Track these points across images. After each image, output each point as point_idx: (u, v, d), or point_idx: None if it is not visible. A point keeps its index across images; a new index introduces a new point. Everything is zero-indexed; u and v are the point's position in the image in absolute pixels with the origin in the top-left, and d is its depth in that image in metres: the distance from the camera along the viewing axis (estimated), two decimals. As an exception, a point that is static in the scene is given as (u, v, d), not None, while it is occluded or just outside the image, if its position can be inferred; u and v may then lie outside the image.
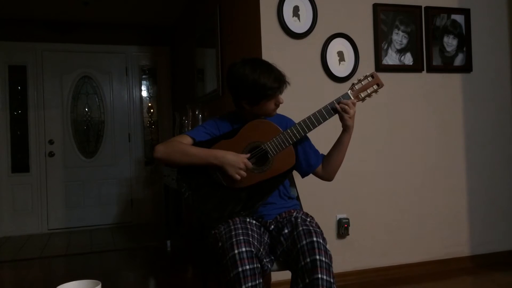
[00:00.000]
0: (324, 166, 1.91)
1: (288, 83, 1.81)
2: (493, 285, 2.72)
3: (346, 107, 1.76)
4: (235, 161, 1.70)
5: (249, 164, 1.72)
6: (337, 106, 1.77)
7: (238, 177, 1.71)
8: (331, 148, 1.90)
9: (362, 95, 1.81)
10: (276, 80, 1.75)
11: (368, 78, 1.82)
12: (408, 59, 2.96)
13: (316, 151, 1.93)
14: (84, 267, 3.58)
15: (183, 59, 4.95)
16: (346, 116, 1.77)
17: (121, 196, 5.38)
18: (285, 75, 1.80)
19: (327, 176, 1.93)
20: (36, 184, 5.08)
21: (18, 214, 5.01)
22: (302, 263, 1.56)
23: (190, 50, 4.47)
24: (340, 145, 1.86)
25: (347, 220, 2.80)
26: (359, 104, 1.82)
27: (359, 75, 2.38)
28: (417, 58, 2.98)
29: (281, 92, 1.81)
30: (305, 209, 1.96)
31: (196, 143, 1.80)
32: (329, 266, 1.56)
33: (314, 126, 1.77)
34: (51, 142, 5.12)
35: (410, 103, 2.99)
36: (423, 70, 3.01)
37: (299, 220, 1.71)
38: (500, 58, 3.22)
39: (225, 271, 1.56)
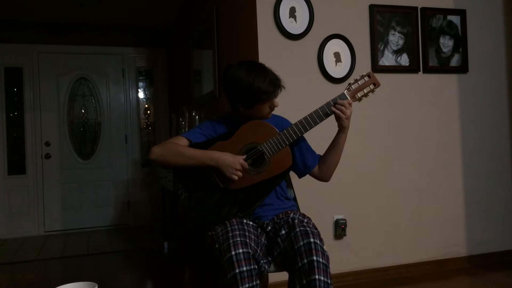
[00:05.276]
0: (321, 166, 1.90)
1: (283, 87, 1.79)
2: (491, 285, 2.72)
3: (343, 107, 1.75)
4: (232, 162, 1.69)
5: (246, 165, 1.71)
6: (334, 108, 1.76)
7: (235, 177, 1.70)
8: (327, 148, 1.89)
9: (359, 95, 1.81)
10: (270, 84, 1.73)
11: (365, 78, 1.81)
12: (404, 60, 2.96)
13: (313, 152, 1.93)
14: (80, 269, 3.56)
15: (179, 60, 4.94)
16: (343, 116, 1.76)
17: (117, 198, 5.36)
18: (280, 79, 1.79)
19: (324, 177, 1.93)
20: (33, 186, 5.06)
21: (15, 216, 4.99)
22: (299, 264, 1.56)
23: (187, 52, 4.47)
24: (336, 145, 1.85)
25: (344, 221, 2.80)
26: (355, 104, 1.82)
27: (355, 76, 2.38)
28: (413, 59, 2.98)
29: (275, 96, 1.79)
30: (302, 210, 1.96)
31: (192, 145, 1.79)
32: (326, 267, 1.56)
33: (311, 127, 1.77)
34: (47, 144, 5.10)
35: (406, 104, 2.99)
36: (419, 71, 3.02)
37: (296, 221, 1.71)
38: (496, 58, 3.23)
39: (222, 272, 1.55)
